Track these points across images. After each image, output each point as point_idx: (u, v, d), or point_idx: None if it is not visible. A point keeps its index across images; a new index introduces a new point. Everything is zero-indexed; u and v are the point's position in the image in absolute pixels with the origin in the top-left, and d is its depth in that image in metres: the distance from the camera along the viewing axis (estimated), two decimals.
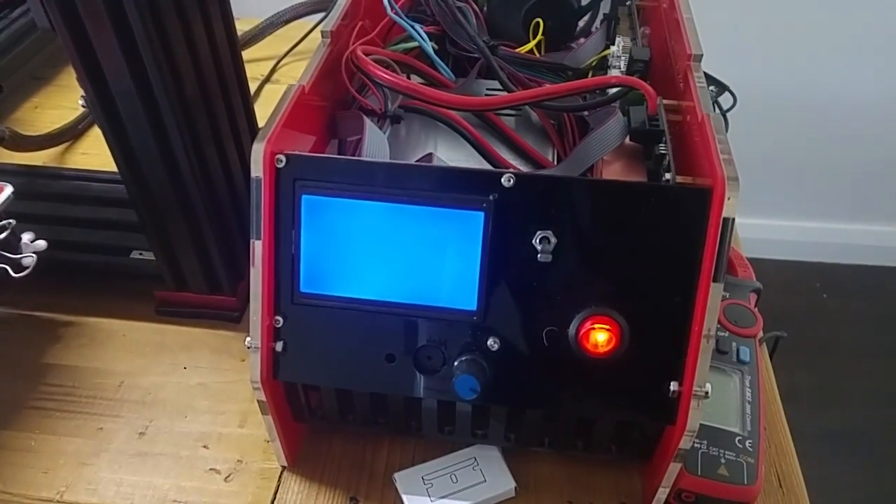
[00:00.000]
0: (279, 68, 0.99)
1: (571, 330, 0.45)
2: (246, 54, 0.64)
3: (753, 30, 1.54)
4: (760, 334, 0.60)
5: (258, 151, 0.44)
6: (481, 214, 0.44)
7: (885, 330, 1.72)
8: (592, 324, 0.45)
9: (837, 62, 1.60)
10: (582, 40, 0.73)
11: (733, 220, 0.42)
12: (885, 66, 1.60)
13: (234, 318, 0.67)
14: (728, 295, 0.61)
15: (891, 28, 1.54)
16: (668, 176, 0.48)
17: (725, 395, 0.54)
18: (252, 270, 0.46)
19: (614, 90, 0.56)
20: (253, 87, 0.66)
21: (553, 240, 0.44)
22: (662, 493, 0.51)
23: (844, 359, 1.65)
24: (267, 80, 0.97)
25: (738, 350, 0.58)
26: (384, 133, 0.54)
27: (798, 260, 1.87)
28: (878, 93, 1.63)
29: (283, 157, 0.44)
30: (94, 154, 0.84)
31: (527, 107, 0.61)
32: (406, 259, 0.46)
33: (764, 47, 1.57)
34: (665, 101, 0.54)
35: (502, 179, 0.43)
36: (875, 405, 1.55)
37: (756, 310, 0.61)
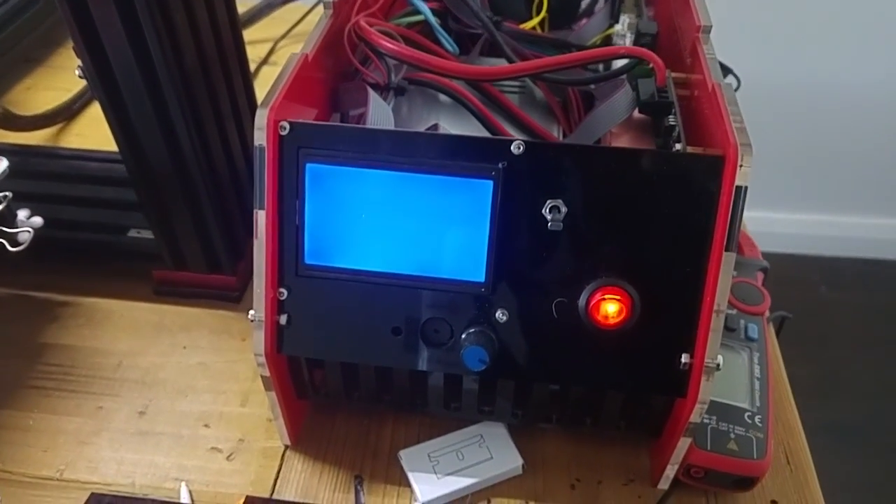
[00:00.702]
0: (277, 50, 0.98)
1: (581, 301, 0.44)
2: (244, 36, 0.63)
3: (756, 18, 1.53)
4: (768, 313, 0.59)
5: (262, 117, 0.43)
6: (490, 183, 0.43)
7: (884, 322, 1.72)
8: (603, 295, 0.44)
9: (838, 54, 1.59)
10: (584, 21, 0.73)
11: (746, 188, 0.42)
12: (886, 58, 1.59)
13: (233, 297, 0.66)
14: (736, 273, 0.61)
15: None
16: (678, 147, 0.48)
17: (734, 372, 0.54)
18: (255, 242, 0.45)
19: (622, 63, 0.55)
20: (250, 69, 0.65)
21: (563, 209, 0.43)
22: (671, 469, 0.50)
23: (843, 351, 1.65)
24: (264, 61, 0.96)
25: (746, 327, 0.57)
26: (388, 105, 0.53)
27: (797, 253, 1.86)
28: (879, 84, 1.62)
29: (286, 125, 0.44)
30: (89, 135, 0.83)
31: (531, 84, 0.61)
32: (413, 229, 0.45)
33: (765, 37, 1.56)
34: (673, 75, 0.54)
35: (512, 147, 0.43)
36: (873, 397, 1.55)
37: (764, 288, 0.60)
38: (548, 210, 0.43)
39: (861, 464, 1.40)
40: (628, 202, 0.43)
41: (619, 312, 0.44)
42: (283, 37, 1.00)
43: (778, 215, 1.85)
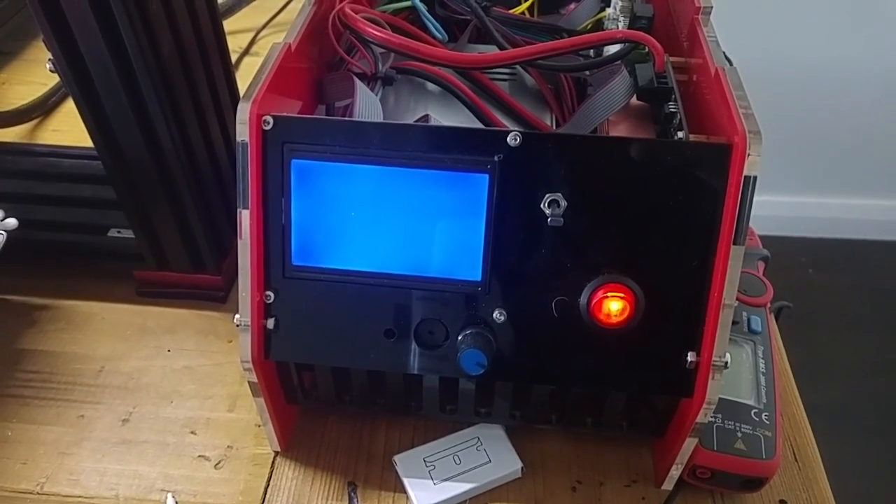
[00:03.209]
0: (258, 40, 0.96)
1: (583, 299, 0.43)
2: (224, 26, 0.60)
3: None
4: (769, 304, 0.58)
5: (244, 111, 0.40)
6: (486, 177, 0.41)
7: (871, 304, 1.72)
8: (605, 292, 0.42)
9: (825, 34, 1.58)
10: (573, 5, 0.70)
11: (755, 178, 0.40)
12: (873, 39, 1.58)
13: (219, 297, 0.64)
14: None
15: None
16: (680, 135, 0.46)
17: (738, 367, 0.52)
18: (240, 243, 0.43)
19: (618, 48, 0.53)
20: (232, 60, 0.63)
21: (563, 203, 0.41)
22: (676, 470, 0.48)
23: (830, 333, 1.65)
24: (246, 52, 0.94)
25: (748, 320, 0.55)
26: (376, 96, 0.50)
27: (783, 235, 1.86)
28: (865, 66, 1.61)
29: (270, 119, 0.41)
30: (66, 131, 0.80)
31: (522, 70, 0.59)
32: (405, 227, 0.43)
33: (750, 18, 1.54)
34: (671, 59, 0.52)
35: (508, 138, 0.40)
36: (861, 378, 1.55)
37: (765, 278, 0.59)
38: (546, 204, 0.41)
39: (854, 446, 1.39)
40: (631, 194, 0.41)
41: (623, 310, 0.42)
42: (264, 26, 0.97)
43: (764, 198, 1.83)
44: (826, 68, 1.62)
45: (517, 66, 0.58)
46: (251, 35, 0.96)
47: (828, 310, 1.70)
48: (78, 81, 0.50)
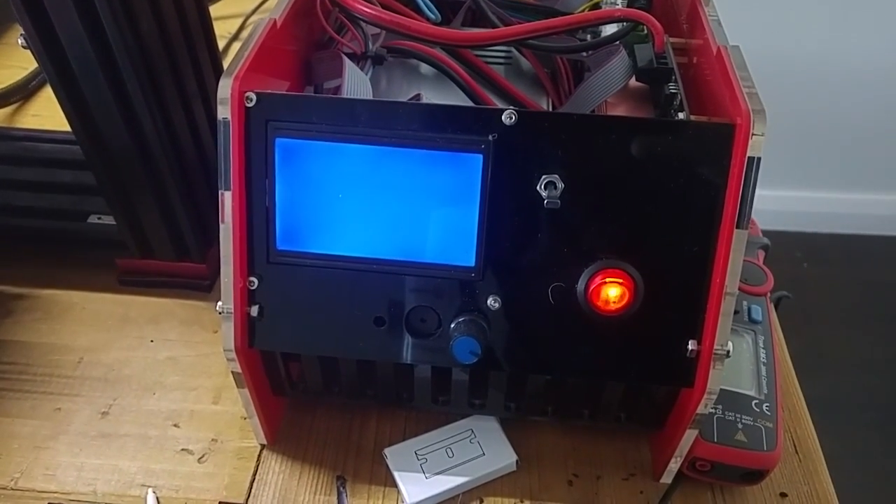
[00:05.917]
0: (247, 26, 0.94)
1: (580, 285, 0.41)
2: (212, 11, 0.59)
3: None
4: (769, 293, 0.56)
5: (225, 88, 0.39)
6: (480, 157, 0.39)
7: (867, 298, 1.71)
8: (603, 278, 0.40)
9: (822, 28, 1.56)
10: None
11: (759, 159, 0.38)
12: (871, 33, 1.56)
13: (204, 286, 0.62)
14: None
15: None
16: (681, 116, 0.44)
17: (739, 357, 0.51)
18: (222, 227, 0.41)
19: (616, 29, 0.51)
20: (219, 46, 0.61)
21: (560, 185, 0.39)
22: (675, 462, 0.47)
23: (826, 327, 1.64)
24: (235, 37, 0.92)
25: (749, 309, 0.54)
26: (366, 76, 0.49)
27: (779, 229, 1.85)
28: (861, 60, 1.60)
29: (253, 96, 0.39)
30: (47, 116, 0.78)
31: (518, 54, 0.57)
32: (395, 210, 0.41)
33: (746, 10, 1.53)
34: (671, 40, 0.50)
35: (503, 117, 0.39)
36: (857, 373, 1.55)
37: (766, 267, 0.57)
38: (543, 186, 0.39)
39: (852, 439, 1.39)
40: (630, 176, 0.40)
41: (621, 297, 0.41)
42: (253, 11, 0.96)
43: (759, 192, 1.82)
44: (822, 63, 1.61)
45: (513, 50, 0.57)
46: (240, 20, 0.94)
47: (823, 304, 1.69)
48: (52, 59, 0.48)
